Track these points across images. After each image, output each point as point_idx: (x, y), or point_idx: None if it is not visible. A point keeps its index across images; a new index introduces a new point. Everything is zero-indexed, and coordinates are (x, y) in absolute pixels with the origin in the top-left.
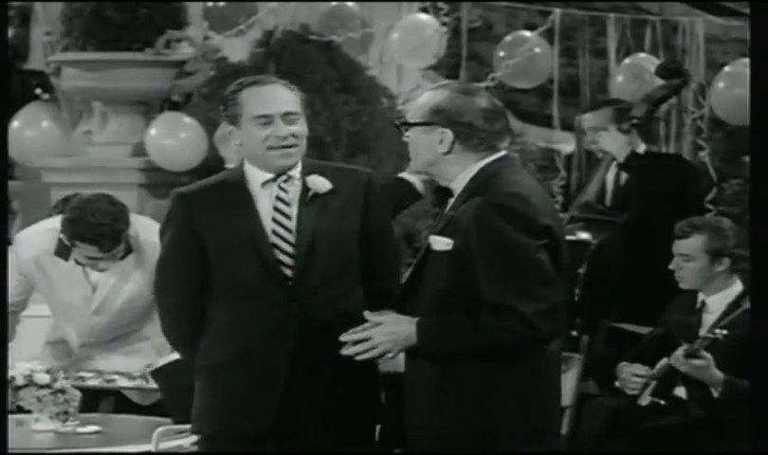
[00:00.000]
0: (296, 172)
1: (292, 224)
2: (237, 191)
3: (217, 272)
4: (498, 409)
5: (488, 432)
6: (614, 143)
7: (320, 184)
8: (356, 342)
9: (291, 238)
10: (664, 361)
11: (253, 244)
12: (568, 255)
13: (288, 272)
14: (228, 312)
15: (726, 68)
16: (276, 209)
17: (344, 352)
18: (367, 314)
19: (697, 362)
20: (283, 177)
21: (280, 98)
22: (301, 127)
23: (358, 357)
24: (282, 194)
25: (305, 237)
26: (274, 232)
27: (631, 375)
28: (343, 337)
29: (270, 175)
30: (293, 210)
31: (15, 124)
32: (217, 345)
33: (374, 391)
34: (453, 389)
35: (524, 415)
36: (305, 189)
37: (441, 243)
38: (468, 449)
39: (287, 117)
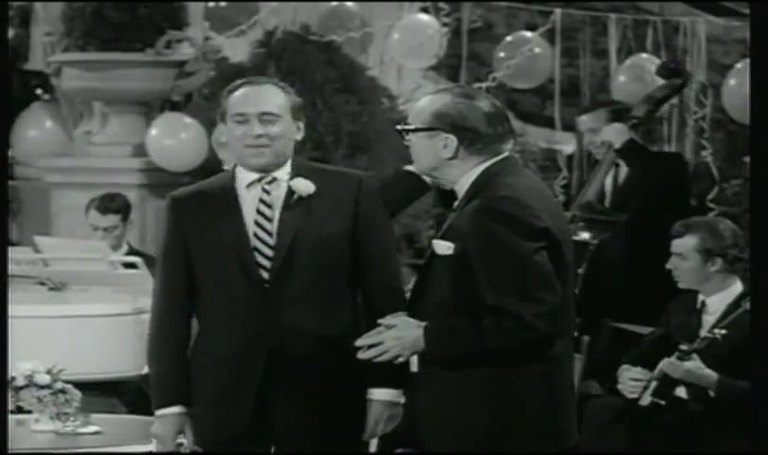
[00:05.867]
0: (282, 174)
1: (273, 226)
2: (225, 193)
3: (202, 276)
4: (510, 410)
5: (501, 434)
6: (613, 133)
7: (304, 186)
8: (370, 346)
9: (271, 241)
10: (664, 362)
11: (235, 246)
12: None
13: (266, 275)
14: (211, 316)
15: (738, 65)
16: (258, 211)
17: (360, 355)
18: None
19: (688, 364)
20: (267, 179)
21: (262, 98)
22: (278, 129)
23: (375, 360)
24: (264, 196)
25: (285, 240)
26: (255, 235)
27: (629, 380)
28: (358, 342)
29: (255, 176)
30: (275, 213)
31: (20, 124)
32: (201, 350)
33: (357, 394)
34: (465, 390)
35: (537, 416)
36: (290, 191)
37: (443, 247)
38: (480, 451)
39: (264, 116)
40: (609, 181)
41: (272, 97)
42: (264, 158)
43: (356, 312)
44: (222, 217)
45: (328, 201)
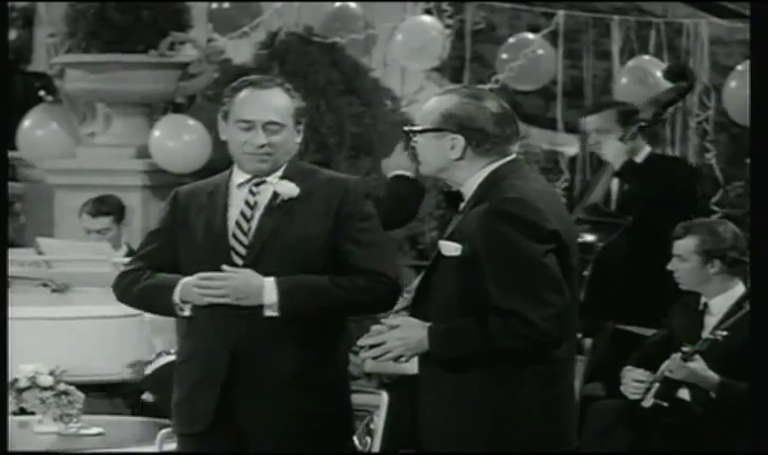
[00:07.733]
0: (272, 177)
1: (251, 227)
2: (219, 191)
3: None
4: (512, 412)
5: (502, 436)
6: (611, 152)
7: (288, 189)
8: (372, 346)
9: (246, 241)
10: (667, 363)
11: (215, 245)
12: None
13: None
14: (192, 312)
15: (738, 67)
16: (241, 212)
17: (361, 355)
18: (383, 319)
19: (692, 365)
20: (256, 180)
21: (267, 105)
22: (281, 138)
23: (377, 360)
24: (249, 198)
25: (259, 240)
26: (233, 235)
27: (633, 381)
28: (360, 342)
29: (246, 177)
30: (256, 215)
31: (26, 124)
32: (180, 351)
33: (323, 391)
34: (467, 392)
35: (539, 418)
36: (275, 194)
37: (450, 248)
38: (482, 452)
39: (268, 126)
40: (615, 183)
41: (278, 103)
42: (264, 166)
43: None
44: (211, 215)
45: (311, 204)
